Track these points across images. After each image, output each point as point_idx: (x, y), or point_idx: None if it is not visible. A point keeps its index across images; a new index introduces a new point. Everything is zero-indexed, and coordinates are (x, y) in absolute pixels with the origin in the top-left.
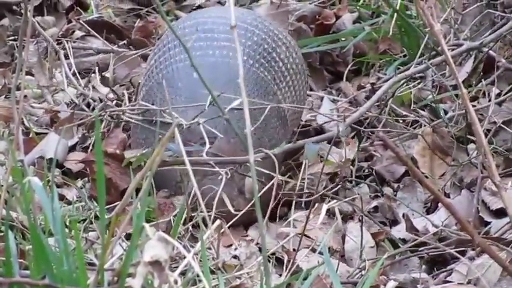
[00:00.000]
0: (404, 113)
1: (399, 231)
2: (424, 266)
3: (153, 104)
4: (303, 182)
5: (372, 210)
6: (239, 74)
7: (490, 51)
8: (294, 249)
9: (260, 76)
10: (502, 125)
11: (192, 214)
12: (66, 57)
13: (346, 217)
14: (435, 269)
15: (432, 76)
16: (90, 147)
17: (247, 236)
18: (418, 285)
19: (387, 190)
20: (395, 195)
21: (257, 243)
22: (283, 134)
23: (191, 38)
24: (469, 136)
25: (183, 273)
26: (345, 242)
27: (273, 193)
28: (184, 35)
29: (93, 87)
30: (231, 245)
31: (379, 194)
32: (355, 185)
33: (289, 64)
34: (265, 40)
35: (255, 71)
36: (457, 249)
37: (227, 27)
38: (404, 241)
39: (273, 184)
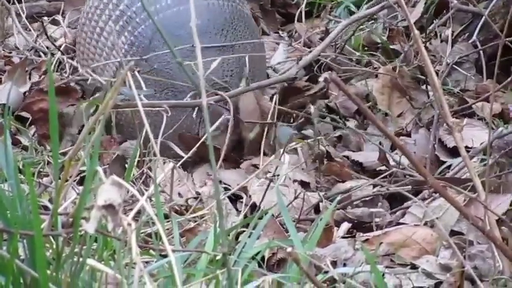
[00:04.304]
0: (357, 53)
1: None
2: (381, 203)
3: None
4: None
5: (335, 140)
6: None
7: None
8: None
9: (242, 11)
10: (454, 65)
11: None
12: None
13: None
14: (392, 206)
15: (384, 17)
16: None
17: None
18: (376, 219)
19: (351, 123)
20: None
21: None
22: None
23: None
24: (421, 76)
25: (137, 217)
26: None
27: (227, 136)
28: None
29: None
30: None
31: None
32: (318, 122)
33: None
34: None
35: (236, 5)
36: (416, 189)
37: None
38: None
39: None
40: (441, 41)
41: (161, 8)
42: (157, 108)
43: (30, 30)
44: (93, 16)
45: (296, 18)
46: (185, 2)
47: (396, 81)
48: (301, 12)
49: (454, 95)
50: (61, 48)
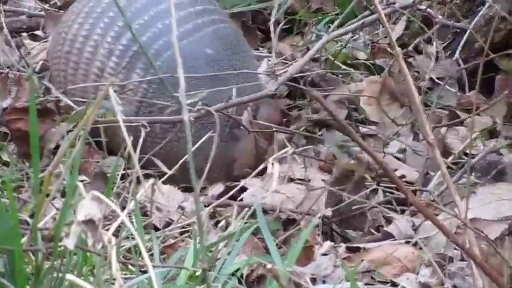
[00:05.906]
0: (343, 66)
1: None
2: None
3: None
4: None
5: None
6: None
7: (425, 9)
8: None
9: (237, 30)
10: (438, 81)
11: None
12: None
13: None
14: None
15: (364, 34)
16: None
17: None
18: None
19: None
20: None
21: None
22: None
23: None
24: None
25: (116, 232)
26: None
27: (213, 147)
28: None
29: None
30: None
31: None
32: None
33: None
34: None
35: (225, 26)
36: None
37: None
38: None
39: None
40: (425, 57)
41: (170, 41)
42: (136, 124)
43: (20, 46)
44: (84, 47)
45: (277, 35)
46: (192, 32)
47: (386, 85)
48: (279, 29)
49: (444, 108)
50: (39, 64)
